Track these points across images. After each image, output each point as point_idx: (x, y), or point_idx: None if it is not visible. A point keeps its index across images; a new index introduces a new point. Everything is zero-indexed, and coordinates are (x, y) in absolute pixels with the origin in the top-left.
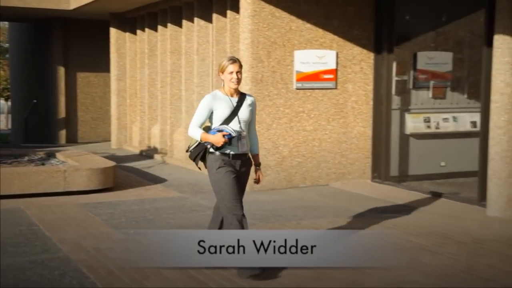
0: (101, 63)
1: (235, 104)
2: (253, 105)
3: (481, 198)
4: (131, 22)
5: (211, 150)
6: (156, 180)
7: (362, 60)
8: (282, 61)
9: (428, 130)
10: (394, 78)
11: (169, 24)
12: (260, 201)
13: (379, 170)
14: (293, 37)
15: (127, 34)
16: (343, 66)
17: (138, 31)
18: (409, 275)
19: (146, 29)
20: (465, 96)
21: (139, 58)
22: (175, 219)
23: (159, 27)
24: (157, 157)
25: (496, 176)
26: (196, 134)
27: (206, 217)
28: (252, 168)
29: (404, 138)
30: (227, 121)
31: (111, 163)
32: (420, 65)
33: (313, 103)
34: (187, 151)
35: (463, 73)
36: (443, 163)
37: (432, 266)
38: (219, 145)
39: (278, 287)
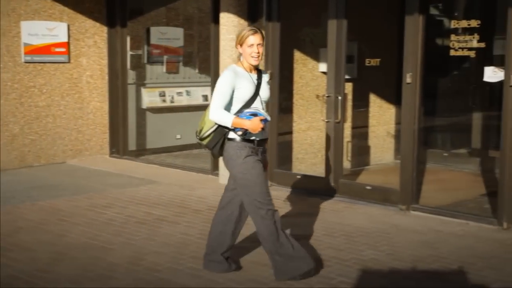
0: None
1: (255, 81)
2: (269, 83)
3: (214, 167)
4: None
5: (231, 136)
6: None
7: (95, 34)
8: (7, 32)
9: (163, 104)
10: (129, 53)
11: None
12: None
13: (117, 145)
14: (19, 7)
15: None
16: (76, 39)
17: None
18: (149, 246)
19: None
20: (197, 71)
21: None
22: None
23: None
24: None
25: None
26: (225, 118)
27: None
28: None
29: (141, 113)
30: (250, 102)
31: None
32: (153, 40)
33: (45, 77)
34: (199, 137)
35: (194, 48)
36: (178, 136)
37: (170, 235)
38: (256, 131)
39: None
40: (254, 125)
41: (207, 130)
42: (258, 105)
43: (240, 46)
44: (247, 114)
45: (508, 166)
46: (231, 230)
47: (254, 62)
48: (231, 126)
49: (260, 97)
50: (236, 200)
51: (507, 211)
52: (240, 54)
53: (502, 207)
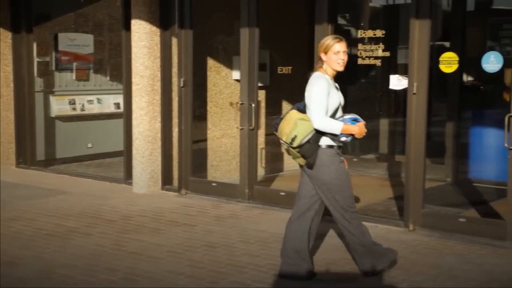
0: None
1: (337, 88)
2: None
3: (128, 176)
4: None
5: (320, 142)
6: None
7: None
8: None
9: (73, 112)
10: (36, 59)
11: None
12: None
13: (24, 155)
14: None
15: None
16: None
17: None
18: (59, 259)
19: None
20: (108, 78)
21: None
22: None
23: None
24: None
25: (140, 155)
26: (335, 125)
27: None
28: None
29: (50, 121)
30: (337, 109)
31: None
32: (61, 47)
33: None
34: (294, 146)
35: (105, 55)
36: (90, 145)
37: (82, 247)
38: (361, 136)
39: None
40: (361, 130)
41: (303, 138)
42: (340, 113)
43: (324, 54)
44: (350, 120)
45: (412, 170)
46: (308, 233)
47: (340, 68)
48: (339, 133)
49: (341, 104)
50: (315, 206)
51: (413, 213)
52: (322, 62)
53: (408, 210)
